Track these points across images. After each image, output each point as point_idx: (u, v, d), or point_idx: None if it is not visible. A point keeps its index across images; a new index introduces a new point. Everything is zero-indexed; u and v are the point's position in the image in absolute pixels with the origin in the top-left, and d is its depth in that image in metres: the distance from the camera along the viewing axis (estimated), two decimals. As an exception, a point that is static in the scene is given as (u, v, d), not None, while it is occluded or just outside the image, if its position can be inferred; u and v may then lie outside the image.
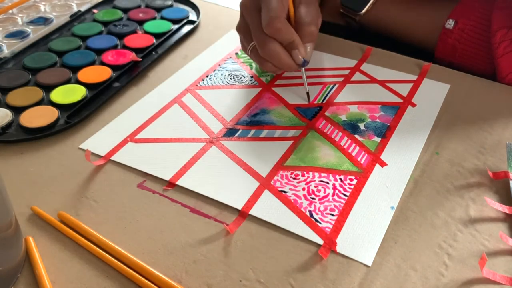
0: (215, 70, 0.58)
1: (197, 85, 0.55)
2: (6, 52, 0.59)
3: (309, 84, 0.55)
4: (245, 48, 0.54)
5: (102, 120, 0.51)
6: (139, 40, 0.62)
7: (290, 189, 0.42)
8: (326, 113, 0.51)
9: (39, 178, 0.44)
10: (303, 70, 0.53)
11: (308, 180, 0.43)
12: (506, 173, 0.43)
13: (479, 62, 0.56)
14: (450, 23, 0.56)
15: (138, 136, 0.48)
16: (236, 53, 0.61)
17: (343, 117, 0.50)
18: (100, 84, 0.55)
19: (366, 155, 0.46)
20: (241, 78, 0.57)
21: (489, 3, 0.56)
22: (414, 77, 0.56)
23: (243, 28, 0.53)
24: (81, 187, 0.43)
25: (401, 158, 0.45)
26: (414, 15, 0.61)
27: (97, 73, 0.56)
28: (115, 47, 0.61)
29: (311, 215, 0.40)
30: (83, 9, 0.68)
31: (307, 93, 0.53)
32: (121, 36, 0.63)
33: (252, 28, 0.50)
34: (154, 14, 0.68)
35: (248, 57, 0.60)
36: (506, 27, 0.53)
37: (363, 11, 0.62)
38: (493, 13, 0.54)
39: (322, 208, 0.41)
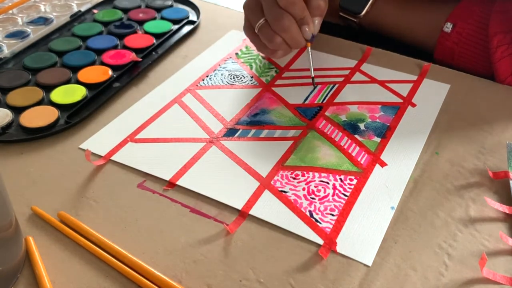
0: (215, 70, 0.58)
1: (197, 85, 0.55)
2: (6, 52, 0.59)
3: (309, 84, 0.55)
4: (250, 27, 0.53)
5: (102, 120, 0.51)
6: (139, 40, 0.62)
7: (290, 189, 0.42)
8: (326, 113, 0.51)
9: (39, 178, 0.44)
10: (310, 52, 0.53)
11: (308, 180, 0.43)
12: (506, 173, 0.43)
13: (478, 65, 0.57)
14: (448, 27, 0.56)
15: (138, 136, 0.48)
16: (236, 53, 0.61)
17: (343, 117, 0.50)
18: (100, 84, 0.55)
19: (366, 155, 0.46)
20: (241, 78, 0.57)
21: (487, 7, 0.55)
22: (414, 77, 0.56)
23: (251, 6, 0.52)
24: (81, 187, 0.43)
25: (401, 158, 0.45)
26: (413, 18, 0.61)
27: (97, 73, 0.56)
28: (115, 47, 0.61)
29: (311, 215, 0.40)
30: (83, 9, 0.68)
31: (313, 78, 0.53)
32: (121, 36, 0.63)
33: (264, 4, 0.50)
34: (154, 14, 0.68)
35: (248, 57, 0.60)
36: (504, 31, 0.53)
37: (363, 12, 0.62)
38: (491, 17, 0.54)
39: (322, 208, 0.41)
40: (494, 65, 0.54)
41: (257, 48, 0.55)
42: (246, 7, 0.53)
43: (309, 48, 0.53)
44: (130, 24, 0.66)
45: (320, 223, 0.39)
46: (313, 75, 0.54)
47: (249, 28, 0.54)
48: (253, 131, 0.49)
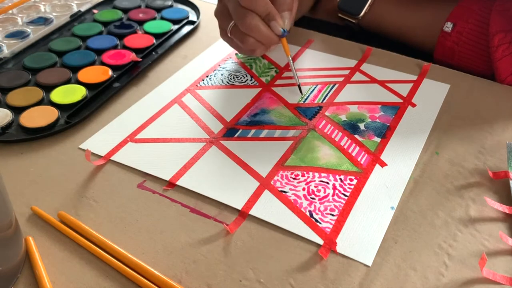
0: (215, 70, 0.58)
1: (197, 85, 0.55)
2: (6, 52, 0.59)
3: (309, 83, 0.55)
4: (224, 32, 0.54)
5: (102, 120, 0.51)
6: (139, 40, 0.62)
7: (290, 189, 0.42)
8: (326, 113, 0.51)
9: (39, 178, 0.44)
10: (291, 61, 0.53)
11: (308, 180, 0.43)
12: (506, 173, 0.43)
13: (478, 65, 0.56)
14: (449, 26, 0.56)
15: (138, 136, 0.48)
16: (236, 53, 0.61)
17: (343, 117, 0.50)
18: (100, 84, 0.55)
19: (366, 155, 0.46)
20: (241, 78, 0.57)
21: (487, 6, 0.55)
22: (414, 77, 0.56)
23: (220, 11, 0.53)
24: (81, 187, 0.43)
25: (401, 158, 0.45)
26: (413, 18, 0.61)
27: (97, 73, 0.56)
28: (115, 47, 0.61)
29: (311, 215, 0.40)
30: (83, 9, 0.68)
31: (298, 86, 0.53)
32: (121, 36, 0.63)
33: (230, 7, 0.50)
34: (154, 14, 0.68)
35: (248, 57, 0.60)
36: (504, 30, 0.53)
37: (361, 14, 0.62)
38: (491, 16, 0.54)
39: (322, 208, 0.41)
40: (495, 64, 0.54)
41: (236, 50, 0.56)
42: (216, 13, 0.54)
43: (291, 60, 0.53)
44: (130, 24, 0.66)
45: (320, 223, 0.39)
46: (298, 83, 0.53)
47: (223, 33, 0.54)
48: (253, 131, 0.49)
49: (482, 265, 0.36)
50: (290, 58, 0.53)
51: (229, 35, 0.53)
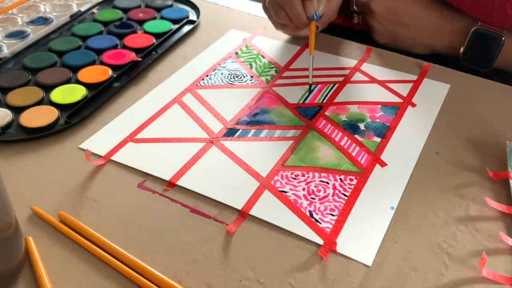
0: (215, 69, 0.58)
1: (197, 85, 0.55)
2: (6, 52, 0.59)
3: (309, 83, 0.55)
4: (264, 2, 0.58)
5: (102, 120, 0.51)
6: (139, 40, 0.62)
7: (290, 189, 0.42)
8: (326, 113, 0.51)
9: (39, 178, 0.44)
10: (312, 60, 0.54)
11: (308, 180, 0.43)
12: (506, 173, 0.43)
13: None
14: None
15: (138, 136, 0.48)
16: (236, 53, 0.61)
17: (343, 117, 0.50)
18: (100, 84, 0.55)
19: (366, 155, 0.46)
20: (241, 77, 0.56)
21: None
22: (414, 77, 0.56)
23: None
24: (81, 187, 0.43)
25: (401, 158, 0.45)
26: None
27: (97, 73, 0.56)
28: (115, 47, 0.61)
29: (311, 215, 0.40)
30: (83, 9, 0.68)
31: (310, 85, 0.54)
32: (121, 36, 0.63)
33: None
34: (154, 14, 0.68)
35: (248, 56, 0.60)
36: None
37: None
38: None
39: (322, 208, 0.41)
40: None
41: (271, 22, 0.60)
42: None
43: (312, 59, 0.53)
44: (130, 24, 0.66)
45: (320, 223, 0.39)
46: (311, 82, 0.54)
47: (264, 5, 0.58)
48: (253, 131, 0.49)
49: (482, 265, 0.36)
50: (312, 57, 0.54)
51: (266, 5, 0.56)
